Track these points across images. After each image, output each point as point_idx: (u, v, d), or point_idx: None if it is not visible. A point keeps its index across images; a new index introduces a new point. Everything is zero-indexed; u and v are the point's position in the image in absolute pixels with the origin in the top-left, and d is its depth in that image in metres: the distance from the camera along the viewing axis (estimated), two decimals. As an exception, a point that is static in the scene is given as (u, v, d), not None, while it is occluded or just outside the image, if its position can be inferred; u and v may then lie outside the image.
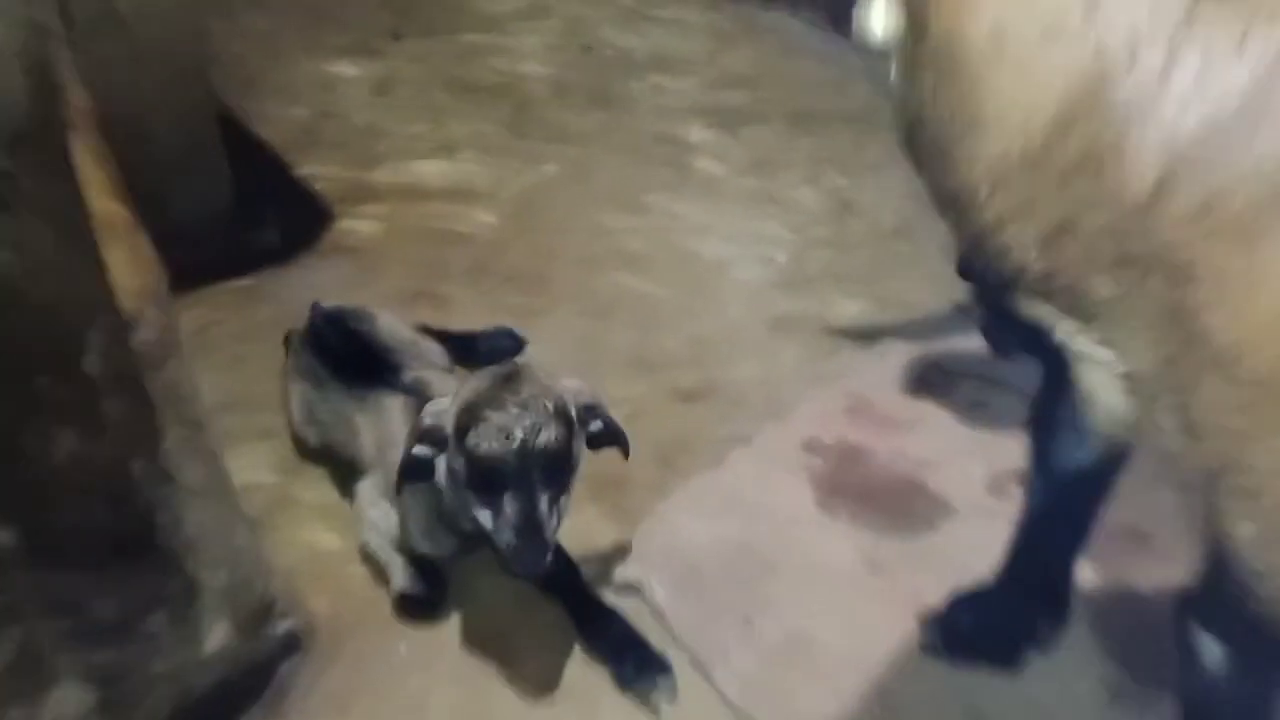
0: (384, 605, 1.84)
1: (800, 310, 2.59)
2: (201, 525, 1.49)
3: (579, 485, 1.74)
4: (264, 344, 2.34)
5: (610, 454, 2.06)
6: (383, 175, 3.01)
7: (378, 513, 1.87)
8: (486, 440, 1.56)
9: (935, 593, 1.88)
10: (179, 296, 2.45)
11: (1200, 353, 0.97)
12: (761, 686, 1.74)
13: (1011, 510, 1.86)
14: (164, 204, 2.43)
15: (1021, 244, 1.07)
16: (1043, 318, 1.18)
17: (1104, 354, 1.15)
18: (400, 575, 1.83)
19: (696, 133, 3.29)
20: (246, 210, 2.62)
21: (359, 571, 1.91)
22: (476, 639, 1.81)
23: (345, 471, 2.02)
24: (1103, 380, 1.22)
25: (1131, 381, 1.14)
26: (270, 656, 1.71)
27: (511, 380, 1.62)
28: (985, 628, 1.78)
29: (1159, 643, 1.65)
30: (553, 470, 1.61)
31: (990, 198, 1.05)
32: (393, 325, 2.10)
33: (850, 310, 2.60)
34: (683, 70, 3.62)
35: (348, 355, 2.00)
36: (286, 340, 2.23)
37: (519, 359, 2.28)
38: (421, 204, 2.90)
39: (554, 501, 1.60)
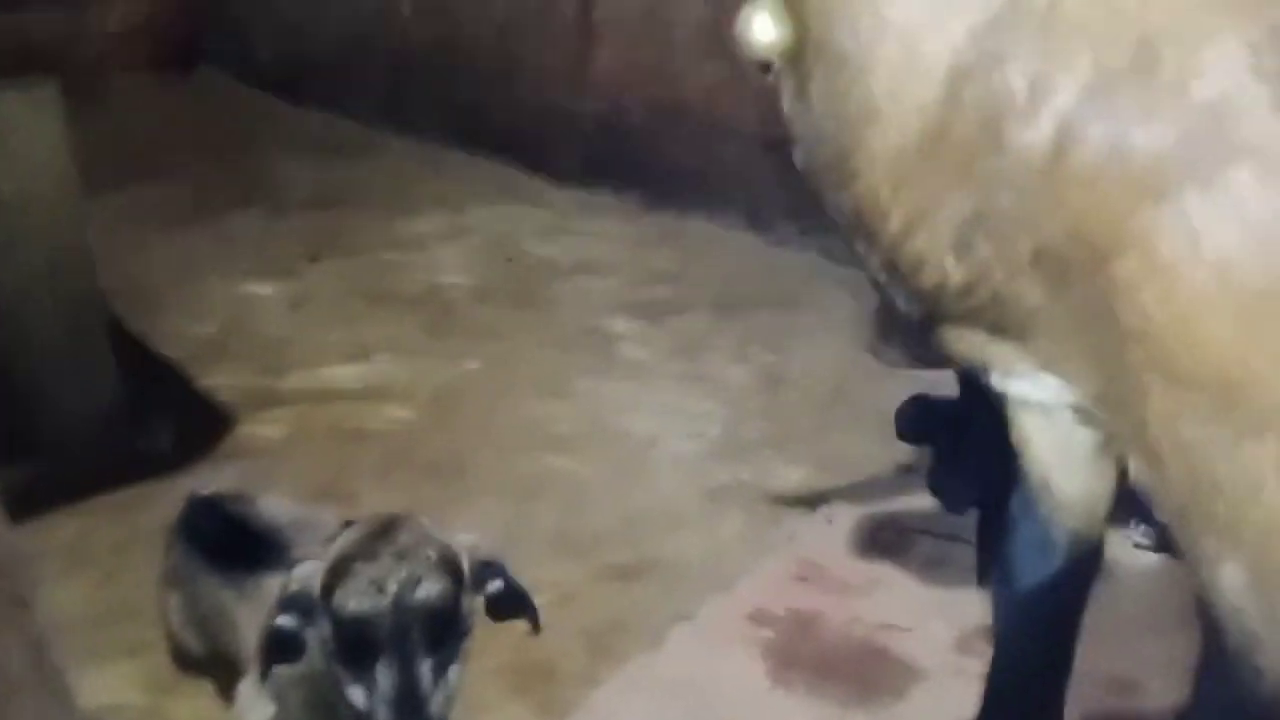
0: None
1: (738, 480, 2.43)
2: (17, 728, 1.21)
3: (500, 679, 1.50)
4: (144, 554, 2.09)
5: (537, 641, 1.84)
6: (291, 382, 2.86)
7: (258, 715, 1.58)
8: (355, 597, 1.32)
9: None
10: (57, 507, 2.30)
11: (1137, 353, 0.83)
12: None
13: (984, 668, 1.66)
14: (42, 400, 2.29)
15: (934, 250, 0.96)
16: (975, 353, 1.05)
17: (1048, 384, 1.01)
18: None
19: (621, 324, 3.22)
20: (135, 416, 2.44)
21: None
22: None
23: (229, 679, 1.74)
24: (1053, 445, 1.07)
25: (1083, 416, 1.00)
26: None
27: (388, 530, 1.40)
28: None
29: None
30: (436, 632, 1.36)
31: (894, 199, 0.95)
32: (279, 504, 1.88)
33: (792, 476, 2.44)
34: (606, 271, 3.61)
35: (225, 542, 1.77)
36: (166, 555, 2.00)
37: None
38: (330, 405, 2.75)
39: (439, 671, 1.34)
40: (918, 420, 2.43)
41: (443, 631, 1.36)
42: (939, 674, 1.82)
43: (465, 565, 1.43)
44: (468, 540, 1.49)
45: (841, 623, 1.94)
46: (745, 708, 1.75)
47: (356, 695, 1.34)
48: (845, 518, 2.25)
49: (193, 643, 1.80)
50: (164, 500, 2.31)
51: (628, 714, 1.74)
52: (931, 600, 2.00)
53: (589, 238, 3.93)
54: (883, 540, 2.18)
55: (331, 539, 1.69)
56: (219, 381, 2.84)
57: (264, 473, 2.43)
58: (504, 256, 3.77)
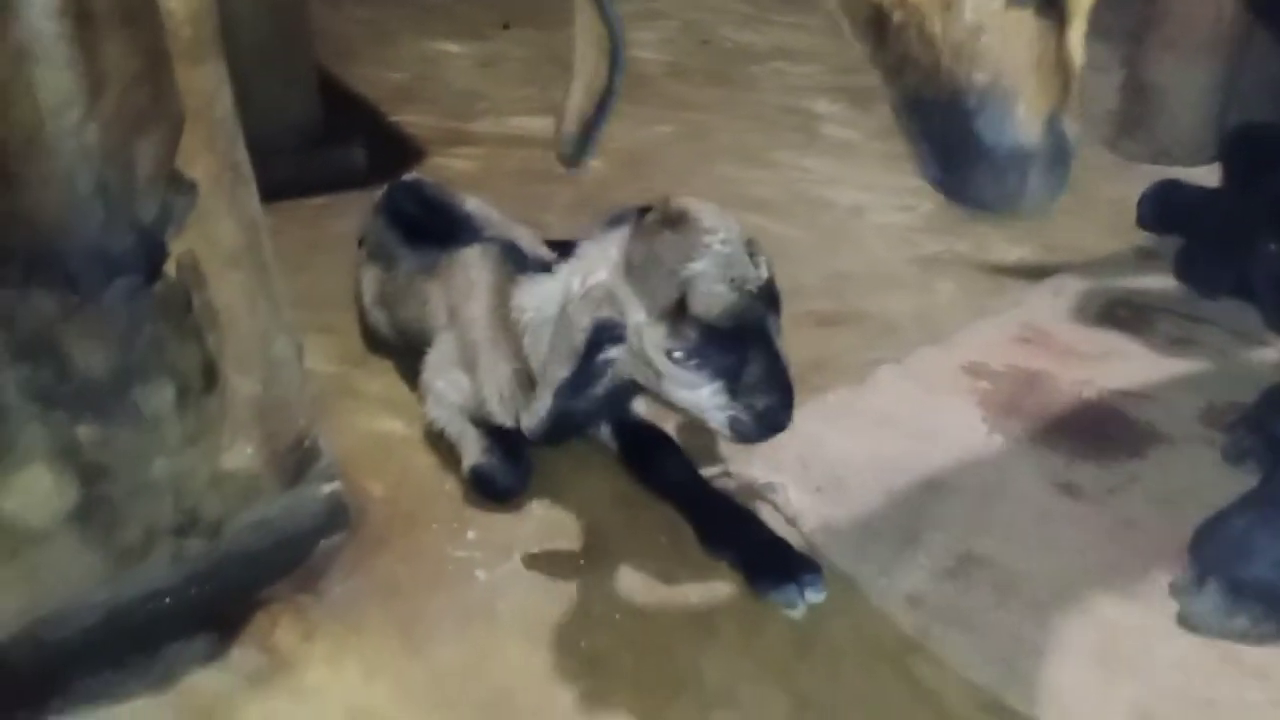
0: (453, 497, 1.48)
1: (952, 250, 2.23)
2: (231, 304, 1.18)
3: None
4: (334, 255, 2.07)
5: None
6: (481, 126, 2.79)
7: (446, 383, 1.52)
8: (719, 299, 1.21)
9: (1155, 524, 1.45)
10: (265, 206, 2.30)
11: None
12: (938, 605, 1.31)
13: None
14: (249, 101, 2.26)
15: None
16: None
17: None
18: (474, 449, 1.47)
19: (823, 105, 3.01)
20: (333, 132, 2.41)
21: (426, 460, 1.56)
22: (564, 536, 1.43)
23: (416, 361, 1.70)
24: None
25: None
26: (308, 524, 1.36)
27: (681, 221, 1.27)
28: (1277, 554, 1.28)
29: None
30: (777, 306, 1.30)
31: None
32: (479, 204, 1.80)
33: (1014, 253, 2.22)
34: (806, 58, 3.38)
35: (423, 222, 1.70)
36: (360, 243, 1.96)
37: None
38: (521, 149, 2.66)
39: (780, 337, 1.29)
40: (1164, 204, 2.17)
41: (778, 304, 1.29)
42: (1183, 440, 1.61)
43: None
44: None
45: (1070, 383, 1.75)
46: (960, 448, 1.59)
47: (706, 394, 1.26)
48: (1075, 291, 2.03)
49: (382, 321, 1.76)
50: (355, 210, 2.28)
51: (831, 437, 1.61)
52: (1175, 373, 1.78)
53: (788, 28, 3.68)
54: (1118, 315, 1.96)
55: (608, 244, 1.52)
56: (410, 119, 2.79)
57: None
58: (699, 39, 3.58)
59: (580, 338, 1.25)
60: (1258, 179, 2.00)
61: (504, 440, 1.47)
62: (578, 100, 1.31)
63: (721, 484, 1.51)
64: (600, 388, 1.31)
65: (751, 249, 1.27)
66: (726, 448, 1.58)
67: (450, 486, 1.50)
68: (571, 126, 1.35)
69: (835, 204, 2.44)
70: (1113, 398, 1.72)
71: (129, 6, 0.99)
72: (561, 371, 1.26)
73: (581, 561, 1.39)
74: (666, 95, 3.05)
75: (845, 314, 1.99)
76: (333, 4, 3.63)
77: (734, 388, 1.24)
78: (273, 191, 2.26)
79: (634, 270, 1.26)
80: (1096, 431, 1.63)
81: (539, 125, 2.81)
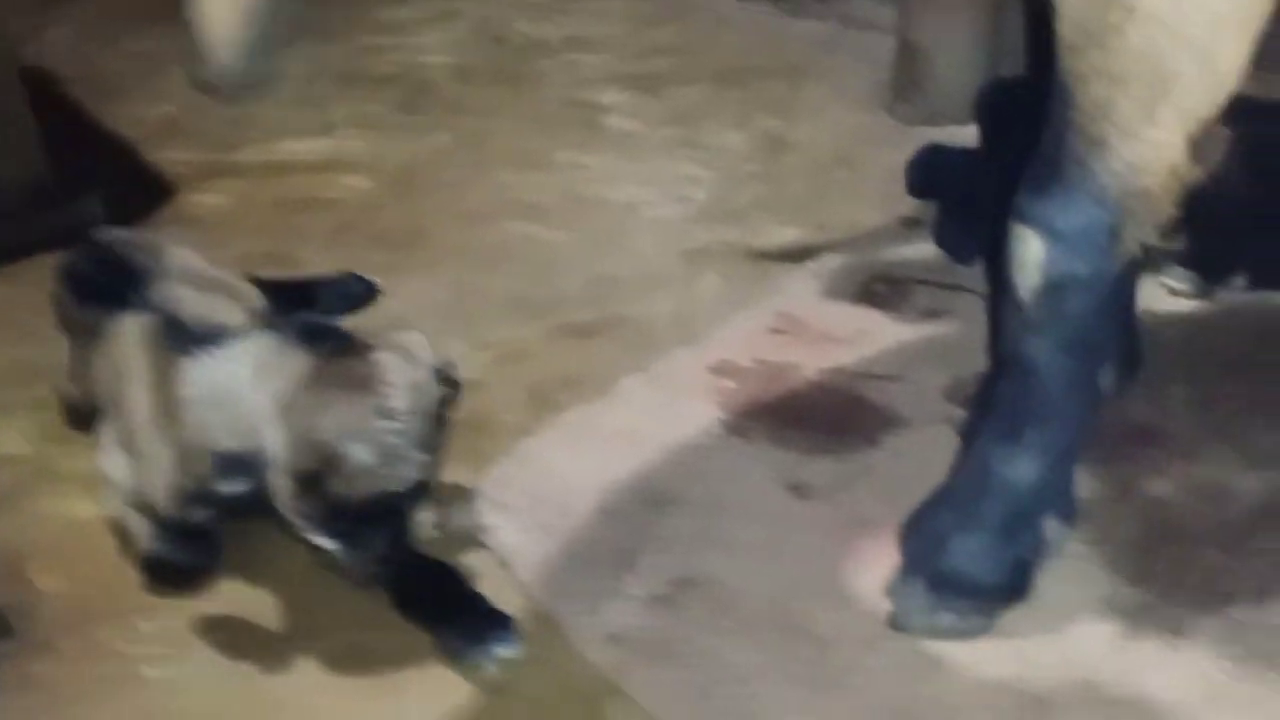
0: (134, 585, 1.36)
1: (722, 240, 2.15)
2: None
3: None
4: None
5: (474, 396, 1.65)
6: (245, 155, 2.63)
7: (112, 465, 1.39)
8: (361, 486, 1.15)
9: (884, 515, 1.40)
10: None
11: None
12: (642, 639, 1.24)
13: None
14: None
15: None
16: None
17: None
18: (146, 535, 1.35)
19: (611, 96, 2.91)
20: (66, 184, 2.24)
21: (111, 546, 1.44)
22: (252, 613, 1.32)
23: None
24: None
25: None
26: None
27: (363, 385, 1.18)
28: (975, 546, 1.24)
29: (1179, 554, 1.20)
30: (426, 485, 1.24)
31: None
32: (183, 257, 1.66)
33: (784, 236, 2.16)
34: (600, 47, 3.27)
35: (104, 286, 1.56)
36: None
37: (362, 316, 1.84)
38: (284, 177, 2.52)
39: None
40: (929, 169, 2.14)
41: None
42: (922, 421, 1.57)
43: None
44: (414, 341, 1.27)
45: (816, 373, 1.70)
46: (691, 455, 1.53)
47: (329, 543, 1.21)
48: (835, 271, 1.98)
49: (74, 393, 1.61)
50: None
51: (562, 461, 1.53)
52: (925, 350, 1.74)
53: (586, 16, 3.56)
54: (876, 292, 1.91)
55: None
56: (168, 156, 2.62)
57: (203, 239, 2.22)
58: (492, 37, 3.46)
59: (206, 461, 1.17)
60: (1005, 137, 1.96)
61: (180, 522, 1.35)
62: None
63: (436, 533, 1.41)
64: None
65: (429, 434, 1.20)
66: (450, 491, 1.49)
67: (133, 574, 1.38)
68: (225, 31, 1.18)
69: (610, 202, 2.35)
70: (856, 383, 1.67)
71: None
72: (181, 482, 1.19)
73: (272, 643, 1.28)
74: (447, 101, 2.93)
75: (604, 322, 1.91)
76: (105, 40, 3.42)
77: (354, 549, 1.20)
78: (3, 256, 2.16)
79: (290, 413, 1.16)
80: (834, 422, 1.58)
81: (307, 148, 2.68)
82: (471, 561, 1.36)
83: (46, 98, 2.71)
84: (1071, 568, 1.28)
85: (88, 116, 2.79)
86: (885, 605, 1.26)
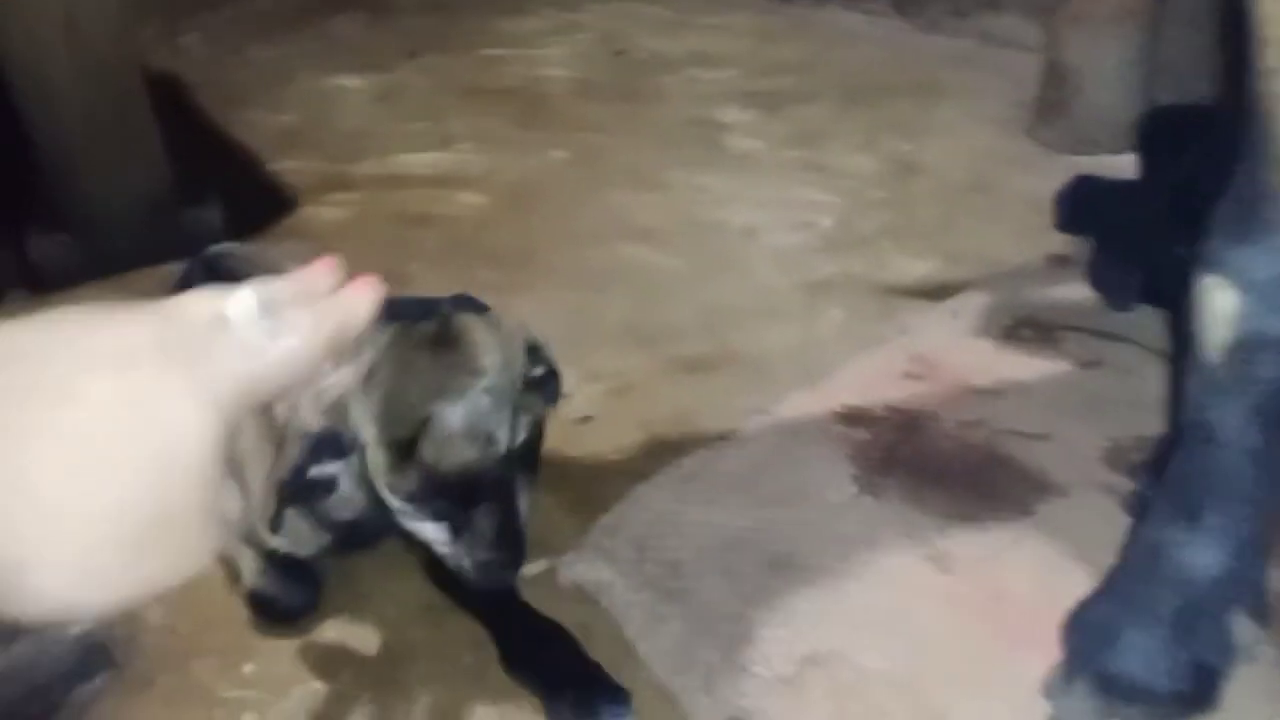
0: (237, 622, 1.31)
1: (846, 272, 2.04)
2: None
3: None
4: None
5: (581, 431, 1.57)
6: (363, 168, 2.62)
7: (223, 495, 1.35)
8: (455, 453, 1.08)
9: (1036, 596, 1.26)
10: (91, 280, 2.16)
11: None
12: (760, 726, 1.13)
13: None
14: (70, 170, 2.11)
15: None
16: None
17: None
18: (251, 570, 1.30)
19: (733, 114, 2.82)
20: (186, 192, 2.24)
21: (217, 579, 1.40)
22: (353, 662, 1.26)
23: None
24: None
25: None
26: (55, 672, 1.20)
27: (450, 346, 1.11)
28: (1149, 644, 1.09)
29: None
30: (532, 459, 1.19)
31: None
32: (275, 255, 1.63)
33: (915, 270, 2.03)
34: (722, 63, 3.18)
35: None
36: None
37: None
38: (400, 191, 2.49)
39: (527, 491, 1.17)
40: (1080, 202, 1.98)
41: (535, 453, 1.18)
42: (1077, 488, 1.42)
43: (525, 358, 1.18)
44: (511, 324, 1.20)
45: (956, 426, 1.56)
46: (818, 513, 1.41)
47: (432, 530, 1.14)
48: (975, 312, 1.84)
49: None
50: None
51: (675, 510, 1.43)
52: (1078, 405, 1.58)
53: (710, 31, 3.49)
54: (1021, 337, 1.76)
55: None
56: (289, 166, 2.63)
57: (318, 254, 2.21)
58: (613, 50, 3.39)
59: (298, 447, 1.09)
60: (1166, 169, 1.80)
61: (286, 556, 1.31)
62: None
63: (543, 586, 1.33)
64: (333, 501, 1.15)
65: (521, 402, 1.12)
66: (556, 538, 1.41)
67: (237, 610, 1.33)
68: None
69: (727, 226, 2.26)
70: (1001, 439, 1.52)
71: None
72: (273, 478, 1.10)
73: (371, 695, 1.22)
74: (565, 116, 2.87)
75: (719, 356, 1.81)
76: (231, 48, 3.49)
77: (460, 538, 1.11)
78: (121, 264, 2.17)
79: (374, 383, 1.09)
80: (977, 484, 1.44)
81: (425, 162, 2.65)
82: (579, 617, 1.27)
83: (174, 105, 2.76)
84: (1263, 675, 1.12)
85: (213, 125, 2.82)
86: (1040, 705, 1.12)
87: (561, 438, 1.58)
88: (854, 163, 2.49)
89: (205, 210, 2.22)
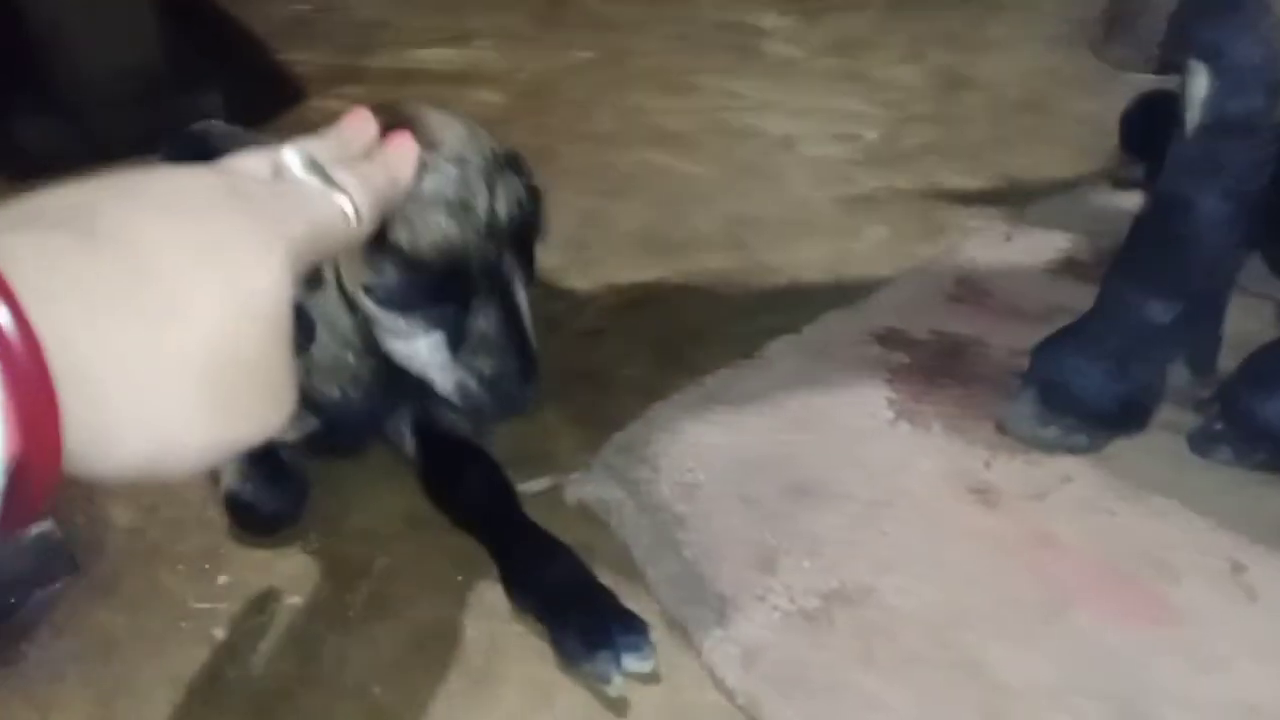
0: (212, 527, 1.21)
1: (890, 187, 1.89)
2: None
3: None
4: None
5: (592, 344, 1.45)
6: (376, 61, 2.47)
7: None
8: (428, 229, 0.95)
9: (1083, 540, 1.14)
10: (84, 164, 2.03)
11: None
12: (780, 662, 1.02)
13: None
14: (73, 50, 1.98)
15: None
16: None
17: None
18: (230, 469, 1.19)
19: (771, 20, 2.64)
20: (184, 77, 2.10)
21: (194, 479, 1.29)
22: (335, 575, 1.16)
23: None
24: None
25: None
26: (12, 574, 1.10)
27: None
28: (1088, 368, 1.23)
29: None
30: (525, 249, 1.07)
31: None
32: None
33: (964, 189, 1.88)
34: (761, -33, 2.99)
35: None
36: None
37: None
38: (414, 86, 2.34)
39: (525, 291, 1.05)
40: (1149, 122, 1.81)
41: (528, 246, 1.06)
42: (1136, 424, 1.29)
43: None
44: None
45: (1006, 354, 1.43)
46: (851, 440, 1.29)
47: (426, 348, 1.02)
48: (1029, 234, 1.70)
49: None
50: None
51: (694, 431, 1.31)
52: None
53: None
54: (1079, 262, 1.62)
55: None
56: (299, 57, 2.48)
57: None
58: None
59: None
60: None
61: (268, 458, 1.19)
62: None
63: (547, 507, 1.22)
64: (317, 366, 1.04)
65: (496, 176, 1.00)
66: (563, 454, 1.29)
67: (213, 514, 1.23)
68: None
69: (762, 134, 2.11)
70: (1054, 370, 1.39)
71: None
72: None
73: (349, 613, 1.12)
74: (592, 15, 2.71)
75: (745, 270, 1.68)
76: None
77: (457, 343, 0.99)
78: (112, 149, 2.04)
79: None
80: (1026, 416, 1.32)
81: (440, 57, 2.49)
82: (582, 537, 1.16)
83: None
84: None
85: (219, 8, 2.67)
86: (1078, 652, 1.01)
87: (570, 350, 1.47)
88: (899, 74, 2.32)
89: (205, 96, 2.08)
